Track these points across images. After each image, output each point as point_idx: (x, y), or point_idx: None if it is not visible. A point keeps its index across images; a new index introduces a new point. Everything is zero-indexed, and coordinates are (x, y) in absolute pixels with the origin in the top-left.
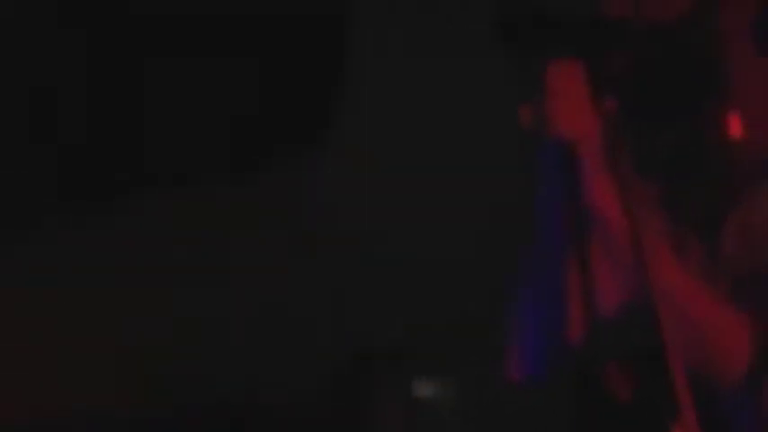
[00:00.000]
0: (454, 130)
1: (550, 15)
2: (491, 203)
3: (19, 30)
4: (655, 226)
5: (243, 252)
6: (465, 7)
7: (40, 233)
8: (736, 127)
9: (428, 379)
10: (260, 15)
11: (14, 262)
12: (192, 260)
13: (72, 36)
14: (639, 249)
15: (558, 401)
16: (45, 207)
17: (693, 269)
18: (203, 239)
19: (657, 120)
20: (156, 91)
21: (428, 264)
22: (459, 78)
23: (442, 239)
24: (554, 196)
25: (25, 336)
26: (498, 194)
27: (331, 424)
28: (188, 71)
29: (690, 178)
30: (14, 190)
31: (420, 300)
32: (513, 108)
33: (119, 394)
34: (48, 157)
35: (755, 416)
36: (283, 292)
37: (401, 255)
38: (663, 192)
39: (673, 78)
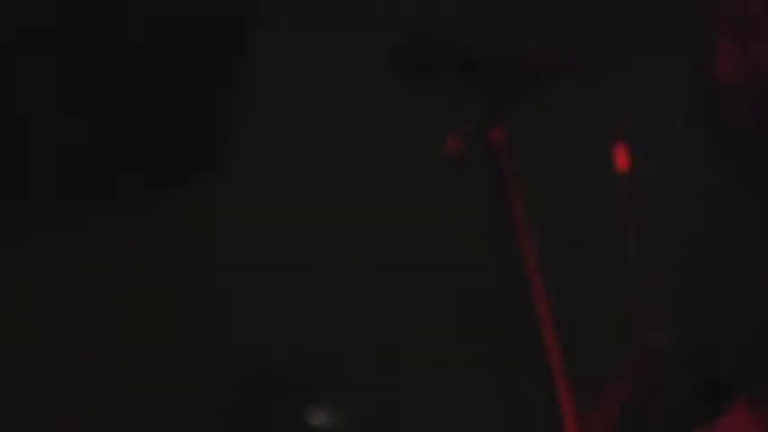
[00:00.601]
0: (354, 161)
1: (461, 54)
2: (390, 234)
3: None
4: None
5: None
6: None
7: None
8: None
9: (324, 407)
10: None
11: None
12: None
13: None
14: None
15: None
16: None
17: None
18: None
19: None
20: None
21: (328, 292)
22: (357, 110)
23: (341, 268)
24: None
25: None
26: (398, 227)
27: None
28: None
29: None
30: None
31: (320, 327)
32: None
33: None
34: None
35: None
36: (178, 317)
37: (300, 282)
38: None
39: None
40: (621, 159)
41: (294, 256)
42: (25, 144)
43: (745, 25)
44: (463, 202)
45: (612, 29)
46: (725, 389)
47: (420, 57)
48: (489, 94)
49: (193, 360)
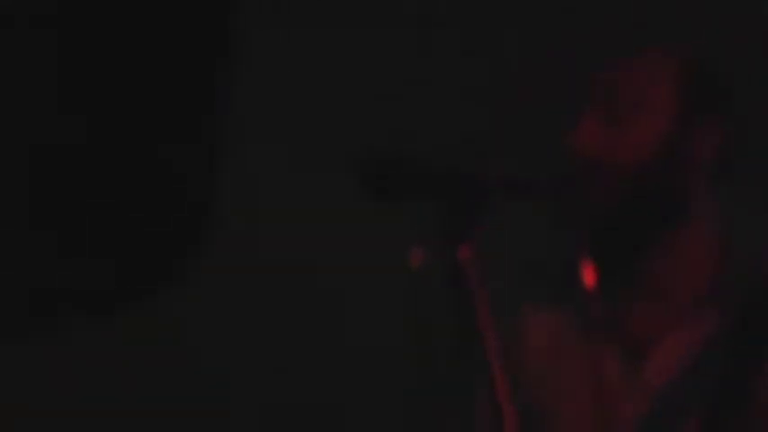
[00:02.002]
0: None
1: (413, 166)
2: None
3: None
4: None
5: None
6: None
7: None
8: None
9: None
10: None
11: None
12: None
13: None
14: None
15: None
16: None
17: None
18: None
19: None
20: None
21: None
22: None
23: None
24: None
25: None
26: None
27: None
28: None
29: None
30: None
31: None
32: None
33: None
34: None
35: None
36: None
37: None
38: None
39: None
40: (588, 276)
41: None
42: None
43: (613, 111)
44: (428, 315)
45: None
46: None
47: (381, 172)
48: (454, 209)
49: None
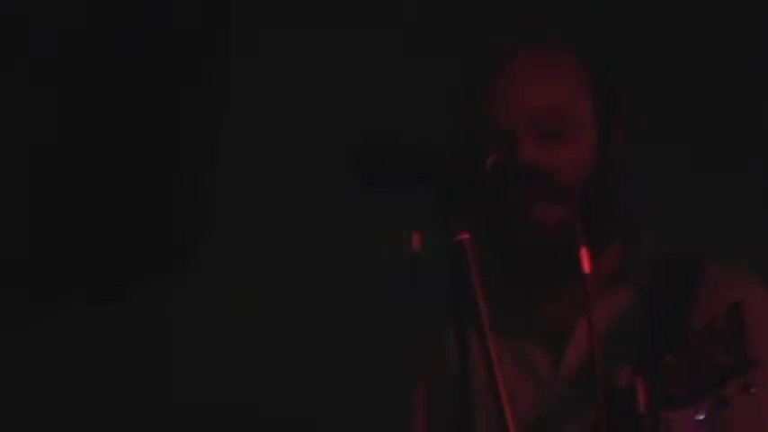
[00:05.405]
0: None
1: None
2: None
3: None
4: None
5: None
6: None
7: None
8: None
9: None
10: None
11: None
12: None
13: None
14: None
15: None
16: None
17: None
18: None
19: None
20: None
21: None
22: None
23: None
24: None
25: None
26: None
27: None
28: None
29: None
30: None
31: None
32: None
33: None
34: None
35: None
36: None
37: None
38: None
39: None
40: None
41: None
42: None
43: (544, 132)
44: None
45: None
46: None
47: (379, 159)
48: (451, 195)
49: None
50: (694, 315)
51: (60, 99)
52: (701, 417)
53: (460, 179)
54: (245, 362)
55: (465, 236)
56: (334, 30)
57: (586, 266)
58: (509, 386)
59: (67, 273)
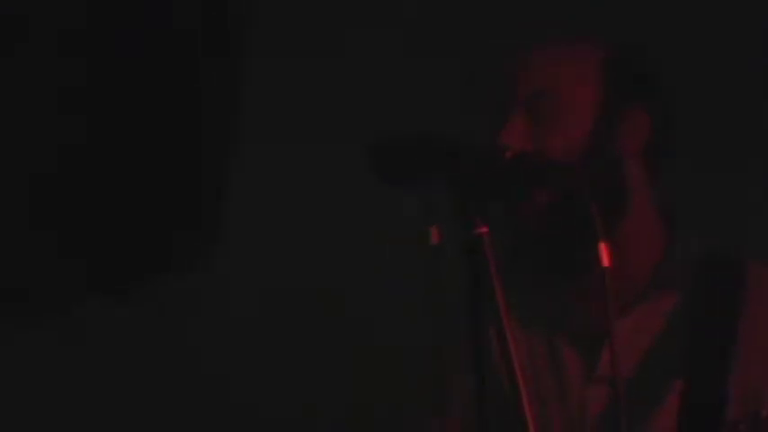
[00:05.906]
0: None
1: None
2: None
3: None
4: None
5: None
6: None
7: None
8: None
9: None
10: None
11: None
12: None
13: None
14: None
15: None
16: None
17: None
18: None
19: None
20: None
21: None
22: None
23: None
24: None
25: None
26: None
27: None
28: None
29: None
30: None
31: None
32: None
33: None
34: None
35: None
36: None
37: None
38: None
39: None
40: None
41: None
42: None
43: (540, 112)
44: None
45: None
46: None
47: (397, 155)
48: (470, 188)
49: None
50: (743, 319)
51: (60, 99)
52: None
53: (479, 171)
54: (257, 362)
55: (484, 229)
56: (334, 30)
57: (605, 260)
58: (535, 383)
59: (74, 273)
